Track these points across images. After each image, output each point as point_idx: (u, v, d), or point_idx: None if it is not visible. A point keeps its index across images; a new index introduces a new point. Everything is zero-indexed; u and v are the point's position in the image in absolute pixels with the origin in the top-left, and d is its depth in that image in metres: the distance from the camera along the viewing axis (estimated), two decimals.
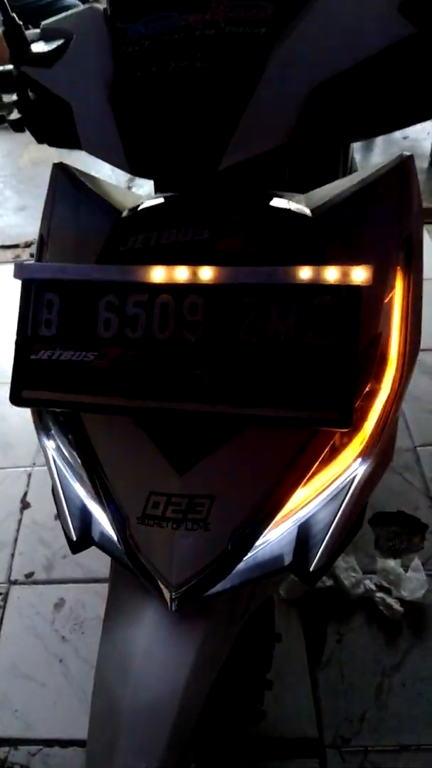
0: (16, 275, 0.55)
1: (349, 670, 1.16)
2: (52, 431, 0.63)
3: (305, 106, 0.53)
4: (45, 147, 0.73)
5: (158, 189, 0.66)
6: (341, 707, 1.11)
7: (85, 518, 0.62)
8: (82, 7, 0.66)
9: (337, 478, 0.57)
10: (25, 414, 0.63)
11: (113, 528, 0.55)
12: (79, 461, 0.58)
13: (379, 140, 2.67)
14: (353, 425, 0.51)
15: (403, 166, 0.57)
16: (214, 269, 0.50)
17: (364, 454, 0.56)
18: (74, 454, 0.60)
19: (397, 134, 2.70)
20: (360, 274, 0.47)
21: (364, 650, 1.19)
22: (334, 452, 0.57)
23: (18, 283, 0.53)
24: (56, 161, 0.69)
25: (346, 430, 0.51)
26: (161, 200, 0.62)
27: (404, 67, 0.54)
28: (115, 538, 0.56)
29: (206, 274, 0.50)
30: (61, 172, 0.67)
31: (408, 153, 0.58)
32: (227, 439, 0.53)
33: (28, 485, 1.59)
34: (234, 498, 0.53)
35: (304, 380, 0.48)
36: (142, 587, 0.61)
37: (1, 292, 2.26)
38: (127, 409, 0.52)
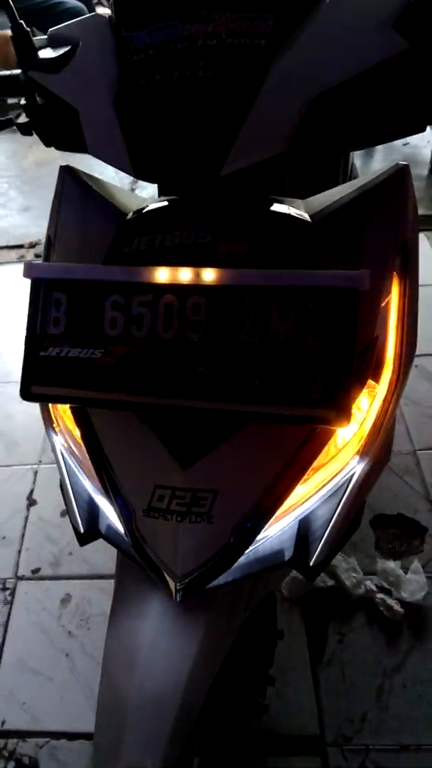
0: (26, 274, 0.56)
1: (350, 670, 1.17)
2: (61, 427, 0.65)
3: (304, 116, 0.54)
4: (49, 149, 0.74)
5: (162, 193, 0.68)
6: (342, 707, 1.12)
7: (92, 511, 0.64)
8: (88, 15, 0.68)
9: (336, 475, 0.58)
10: (32, 412, 0.65)
11: (120, 520, 0.57)
12: (87, 456, 0.60)
13: (380, 147, 2.68)
14: (351, 424, 0.53)
15: (399, 175, 0.59)
16: (216, 271, 0.51)
17: (362, 452, 0.58)
18: (82, 449, 0.61)
19: (398, 141, 2.71)
20: (357, 278, 0.48)
21: (365, 651, 1.19)
22: (333, 450, 0.58)
23: (23, 283, 0.55)
24: (61, 163, 0.70)
25: (344, 428, 0.52)
26: (165, 204, 0.63)
27: (399, 80, 0.55)
28: (121, 530, 0.57)
29: (209, 275, 0.51)
30: (68, 174, 0.69)
31: (404, 162, 0.59)
32: (229, 436, 0.55)
33: (34, 482, 1.60)
34: (236, 493, 0.54)
35: (303, 379, 0.50)
36: (147, 580, 0.63)
37: (6, 292, 2.28)
38: (132, 404, 0.54)
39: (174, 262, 0.54)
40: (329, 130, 0.59)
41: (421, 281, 0.61)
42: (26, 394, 0.56)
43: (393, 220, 0.57)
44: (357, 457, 0.58)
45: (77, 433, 0.62)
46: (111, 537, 0.63)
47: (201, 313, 0.52)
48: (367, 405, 0.58)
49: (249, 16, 0.56)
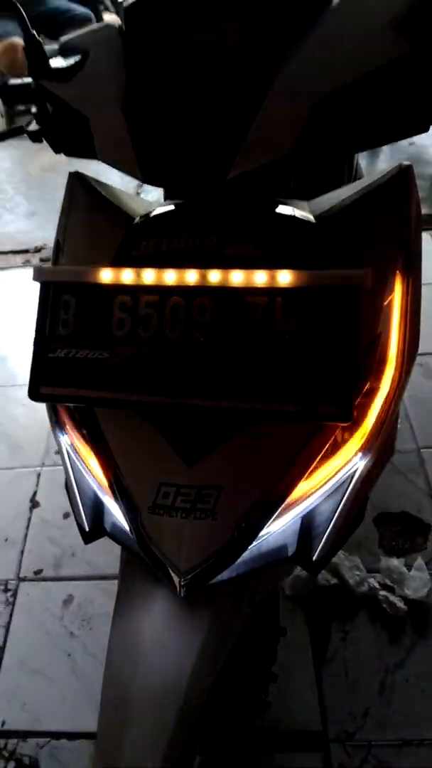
0: (35, 278, 0.57)
1: (353, 666, 1.17)
2: (67, 427, 0.65)
3: (309, 120, 0.56)
4: (54, 155, 0.76)
5: (168, 197, 0.69)
6: (345, 703, 1.13)
7: (97, 510, 0.65)
8: (98, 24, 0.69)
9: (338, 472, 0.59)
10: (34, 415, 0.66)
11: (126, 518, 0.58)
12: (93, 455, 0.61)
13: (386, 147, 2.69)
14: (354, 421, 0.54)
15: (402, 175, 0.60)
16: (222, 272, 0.52)
17: (364, 449, 0.58)
18: (88, 448, 0.62)
19: (403, 141, 2.73)
20: (359, 277, 0.49)
21: (368, 647, 1.20)
22: (336, 447, 0.59)
23: (29, 287, 0.56)
24: (66, 169, 0.71)
25: (346, 424, 0.53)
26: (172, 207, 0.64)
27: (402, 81, 0.57)
28: (126, 527, 0.58)
29: (215, 276, 0.53)
30: (77, 180, 0.70)
31: (407, 162, 0.61)
32: (234, 433, 0.55)
33: (37, 485, 1.61)
34: (240, 489, 0.55)
35: (307, 377, 0.51)
36: (151, 576, 0.63)
37: (12, 296, 2.29)
38: (138, 404, 0.55)
39: (181, 264, 0.55)
40: (334, 132, 0.60)
41: (423, 280, 0.62)
42: (35, 394, 0.57)
43: (396, 220, 0.58)
44: (360, 454, 0.58)
45: (83, 432, 0.63)
46: (116, 534, 0.64)
47: (207, 313, 0.53)
48: (370, 402, 0.59)
49: (255, 24, 0.57)
